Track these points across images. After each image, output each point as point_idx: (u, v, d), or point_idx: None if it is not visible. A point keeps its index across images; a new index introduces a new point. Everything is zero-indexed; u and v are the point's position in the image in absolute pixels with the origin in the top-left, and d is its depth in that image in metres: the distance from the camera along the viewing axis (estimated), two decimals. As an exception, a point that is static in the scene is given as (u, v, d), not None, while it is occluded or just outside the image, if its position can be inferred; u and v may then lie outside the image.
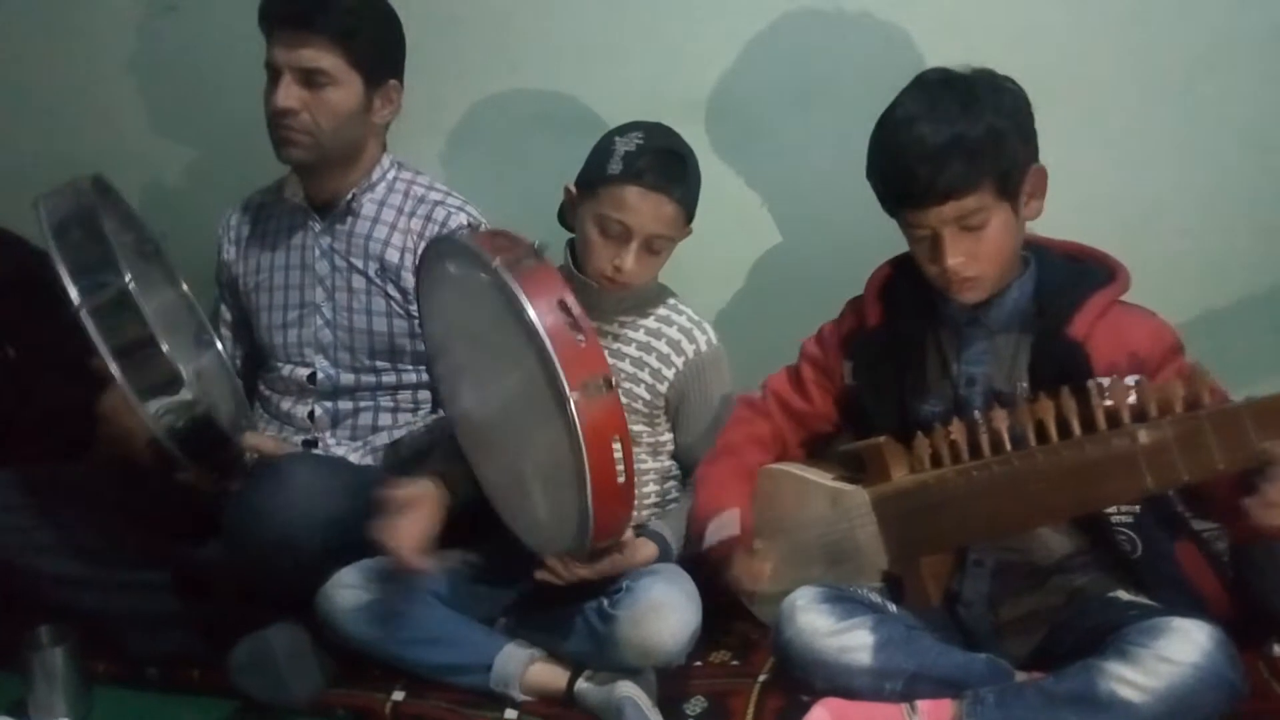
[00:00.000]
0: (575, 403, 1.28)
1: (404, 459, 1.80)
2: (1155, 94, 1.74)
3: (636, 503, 1.50)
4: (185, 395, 1.54)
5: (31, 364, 1.97)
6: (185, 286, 1.84)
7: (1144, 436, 1.26)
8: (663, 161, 1.57)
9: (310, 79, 1.69)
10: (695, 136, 1.74)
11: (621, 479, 1.32)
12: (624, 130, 1.62)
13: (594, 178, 1.59)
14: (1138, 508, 1.37)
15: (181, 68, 2.15)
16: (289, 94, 1.69)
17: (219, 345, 1.87)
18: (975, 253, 1.37)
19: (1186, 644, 1.23)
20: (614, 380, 1.33)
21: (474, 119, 2.03)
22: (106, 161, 2.04)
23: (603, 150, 1.60)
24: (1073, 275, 1.43)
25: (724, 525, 1.51)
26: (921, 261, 1.43)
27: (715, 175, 1.86)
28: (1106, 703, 1.24)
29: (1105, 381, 1.30)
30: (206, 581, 1.69)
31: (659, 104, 1.76)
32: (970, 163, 1.33)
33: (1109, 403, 1.28)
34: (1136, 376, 1.30)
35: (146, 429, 1.54)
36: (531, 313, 1.31)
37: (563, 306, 1.34)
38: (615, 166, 1.57)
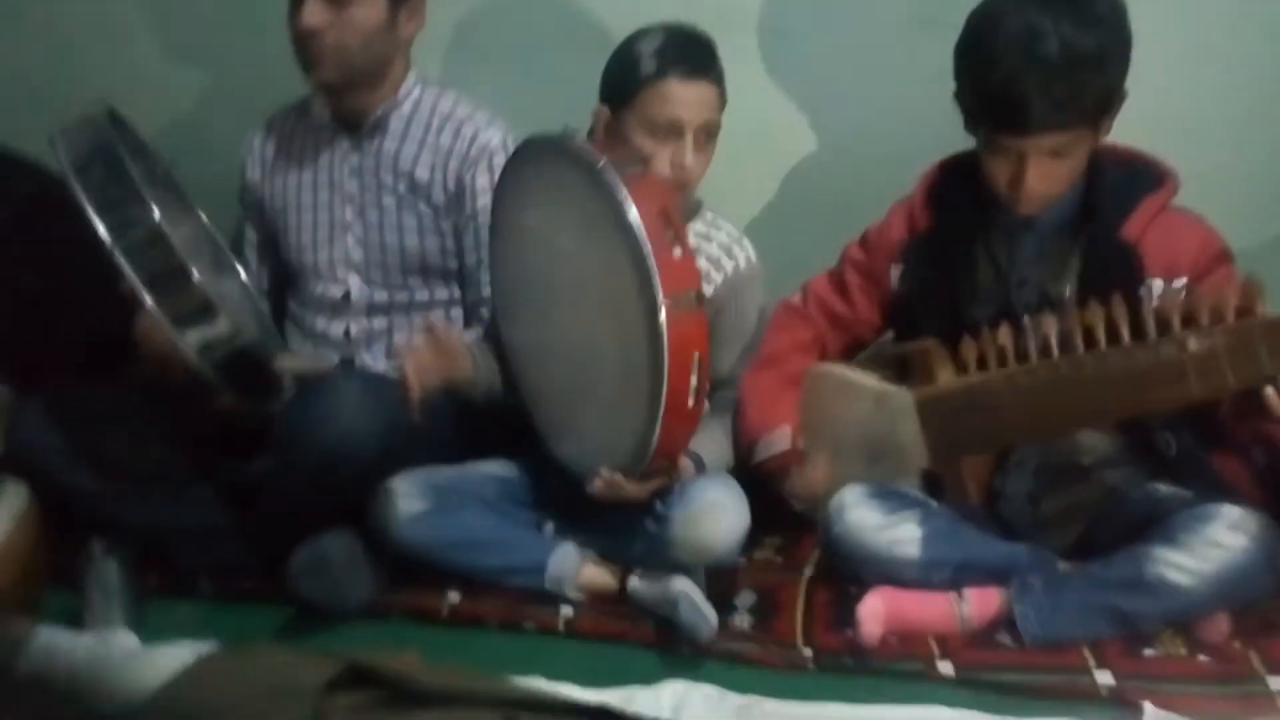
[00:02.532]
0: (666, 311, 1.30)
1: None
2: (1200, 8, 1.74)
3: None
4: (223, 327, 1.54)
5: (56, 290, 1.96)
6: (203, 215, 1.84)
7: (1193, 344, 1.28)
8: (695, 47, 1.57)
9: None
10: (727, 46, 1.72)
11: (692, 401, 1.35)
12: (641, 34, 1.60)
13: (628, 85, 1.58)
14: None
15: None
16: (314, 13, 1.66)
17: (240, 271, 1.87)
18: (1054, 176, 1.38)
19: (1235, 529, 1.29)
20: (704, 297, 1.34)
21: (494, 33, 2.01)
22: (119, 86, 2.04)
23: (626, 57, 1.59)
24: (1125, 179, 1.43)
25: (775, 442, 1.55)
26: (994, 175, 1.41)
27: (746, 85, 1.85)
28: (1155, 585, 1.30)
29: (1157, 287, 1.33)
30: (257, 493, 1.71)
31: (693, 15, 1.75)
32: (1085, 96, 1.31)
33: (1158, 307, 1.30)
34: (1184, 281, 1.32)
35: (186, 360, 1.55)
36: (634, 215, 1.32)
37: (664, 216, 1.35)
38: (649, 66, 1.55)
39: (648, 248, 1.32)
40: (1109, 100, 1.35)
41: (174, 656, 1.38)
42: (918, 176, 1.58)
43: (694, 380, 1.35)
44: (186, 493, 1.74)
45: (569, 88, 1.66)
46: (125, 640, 1.56)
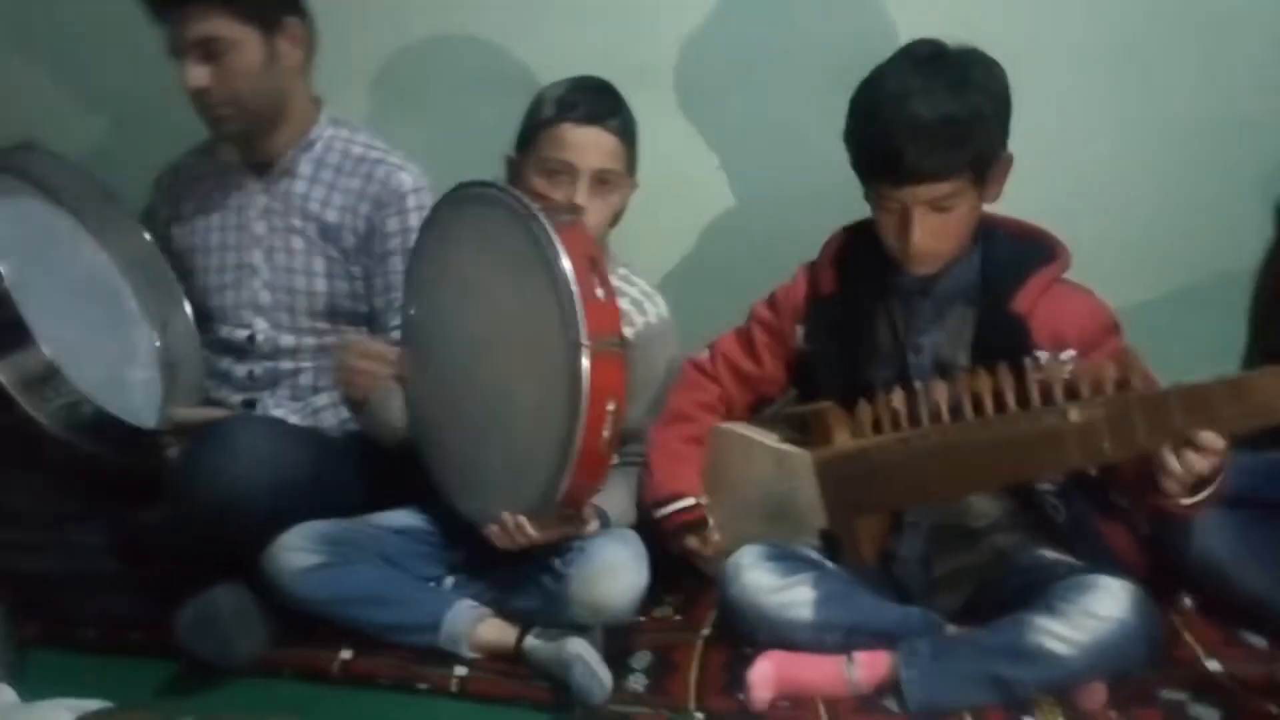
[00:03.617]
0: (589, 353, 1.31)
1: (345, 420, 1.80)
2: (1088, 75, 1.81)
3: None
4: (69, 394, 1.55)
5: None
6: (149, 238, 1.84)
7: (1074, 414, 1.31)
8: (594, 95, 1.60)
9: (209, 50, 1.66)
10: (646, 101, 1.75)
11: (605, 448, 1.35)
12: (553, 84, 1.64)
13: (529, 130, 1.61)
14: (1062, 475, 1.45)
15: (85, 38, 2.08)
16: (196, 74, 1.67)
17: (186, 307, 1.85)
18: (940, 232, 1.42)
19: (1111, 600, 1.32)
20: (625, 342, 1.36)
21: (417, 75, 2.03)
22: (36, 122, 2.00)
23: (534, 104, 1.63)
24: (1018, 252, 1.48)
25: (679, 504, 1.56)
26: (885, 232, 1.46)
27: (665, 141, 1.88)
28: (1035, 654, 1.32)
29: (1042, 358, 1.36)
30: (147, 541, 1.67)
31: (609, 68, 1.76)
32: (957, 149, 1.37)
33: (1043, 378, 1.33)
34: (1072, 353, 1.36)
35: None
36: (565, 261, 1.34)
37: (591, 262, 1.37)
38: (548, 110, 1.59)
39: (575, 290, 1.34)
40: (985, 158, 1.40)
41: (49, 714, 1.35)
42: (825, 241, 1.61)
43: (608, 427, 1.36)
44: (72, 539, 1.69)
45: (493, 132, 1.67)
46: (2, 694, 1.50)
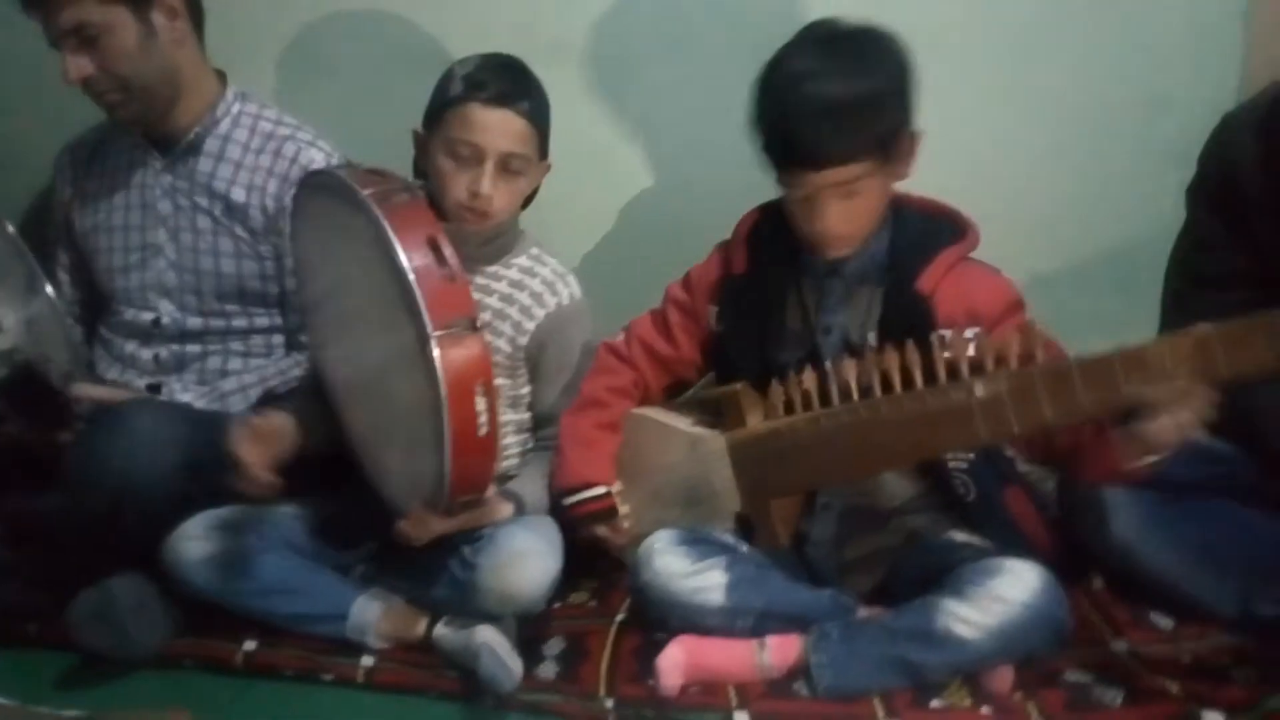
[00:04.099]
0: (437, 343, 1.25)
1: (256, 404, 1.76)
2: (996, 51, 1.80)
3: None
4: (2, 344, 1.47)
5: None
6: (11, 229, 1.74)
7: (979, 389, 1.31)
8: (504, 76, 1.55)
9: (84, 37, 1.60)
10: (564, 79, 1.73)
11: (484, 430, 1.30)
12: (462, 60, 1.59)
13: (437, 107, 1.56)
14: (972, 454, 1.44)
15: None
16: (77, 64, 1.62)
17: (49, 291, 1.77)
18: (850, 215, 1.40)
19: (1017, 584, 1.32)
20: (480, 323, 1.30)
21: (327, 49, 1.97)
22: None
23: (442, 80, 1.58)
24: (925, 231, 1.47)
25: (589, 498, 1.54)
26: (794, 217, 1.44)
27: (583, 119, 1.86)
28: (942, 637, 1.32)
29: (947, 335, 1.35)
30: (43, 530, 1.62)
31: (527, 45, 1.72)
32: (858, 131, 1.34)
33: (949, 355, 1.33)
34: (976, 330, 1.36)
35: None
36: (398, 248, 1.28)
37: (432, 244, 1.30)
38: (456, 88, 1.54)
39: (413, 277, 1.28)
40: (890, 138, 1.38)
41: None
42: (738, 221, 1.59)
43: (480, 407, 1.29)
44: (-35, 529, 1.64)
45: (404, 106, 1.62)
46: (-113, 692, 1.45)
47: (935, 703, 1.34)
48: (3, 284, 1.73)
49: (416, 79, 1.64)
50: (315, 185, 1.49)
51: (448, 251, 1.32)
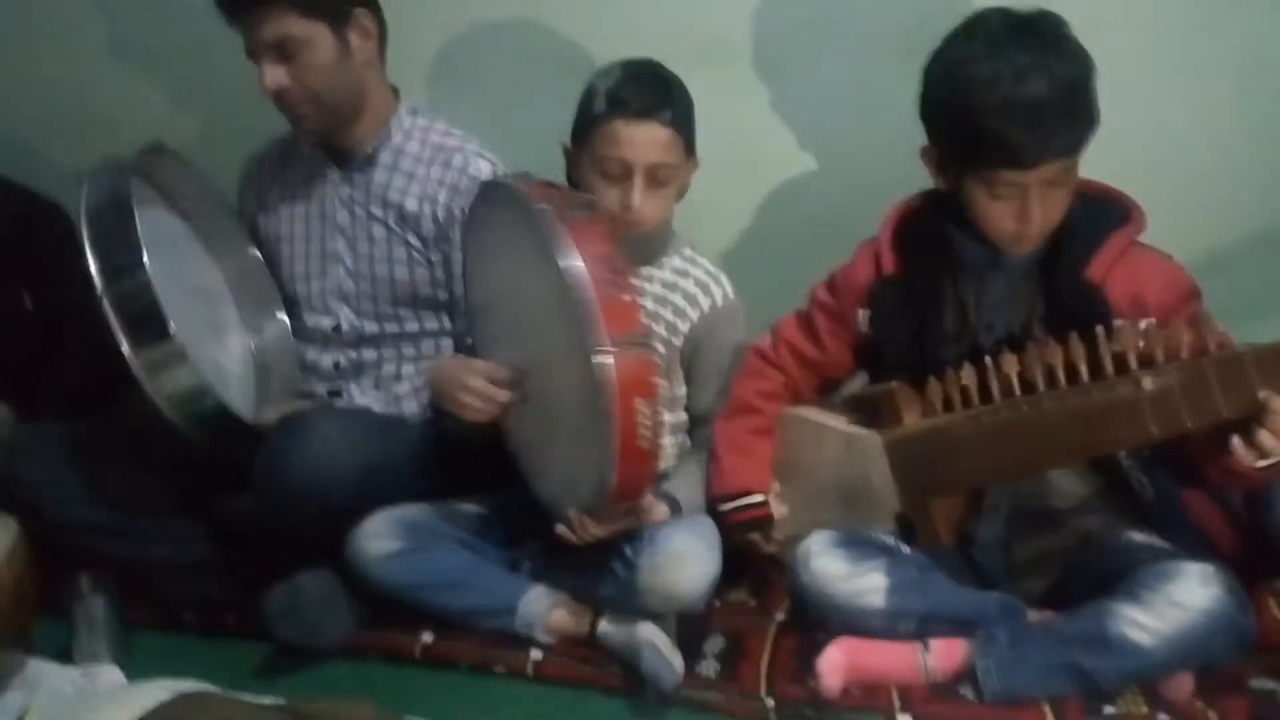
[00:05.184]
0: (607, 357, 1.29)
1: (427, 406, 1.84)
2: (1160, 25, 1.71)
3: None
4: (191, 382, 1.59)
5: (53, 316, 2.01)
6: (255, 252, 1.90)
7: (1148, 383, 1.26)
8: (645, 88, 1.56)
9: (283, 50, 1.68)
10: (709, 77, 1.72)
11: (645, 442, 1.33)
12: (602, 71, 1.61)
13: (583, 124, 1.59)
14: (1147, 451, 1.38)
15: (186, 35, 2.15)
16: (273, 75, 1.69)
17: (281, 315, 1.91)
18: (1051, 210, 1.35)
19: (1196, 589, 1.26)
20: (649, 340, 1.34)
21: (477, 60, 2.01)
22: (124, 123, 2.08)
23: (586, 95, 1.60)
24: (1090, 217, 1.40)
25: (745, 505, 1.54)
26: (992, 217, 1.37)
27: (731, 116, 1.85)
28: (1117, 644, 1.27)
29: (1117, 325, 1.30)
30: (239, 530, 1.73)
31: (674, 44, 1.73)
32: (1078, 120, 1.30)
33: (1116, 348, 1.27)
34: (1148, 321, 1.29)
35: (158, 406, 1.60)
36: (574, 262, 1.32)
37: (607, 260, 1.34)
38: (599, 105, 1.56)
39: (588, 292, 1.31)
40: (1092, 123, 1.33)
41: (150, 694, 1.42)
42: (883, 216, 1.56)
43: (642, 421, 1.33)
44: (174, 528, 1.77)
45: (554, 114, 1.66)
46: (110, 674, 1.59)
47: (1108, 709, 1.30)
48: (243, 300, 1.89)
49: (564, 86, 1.67)
50: (492, 196, 1.54)
51: (621, 266, 1.35)
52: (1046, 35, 1.32)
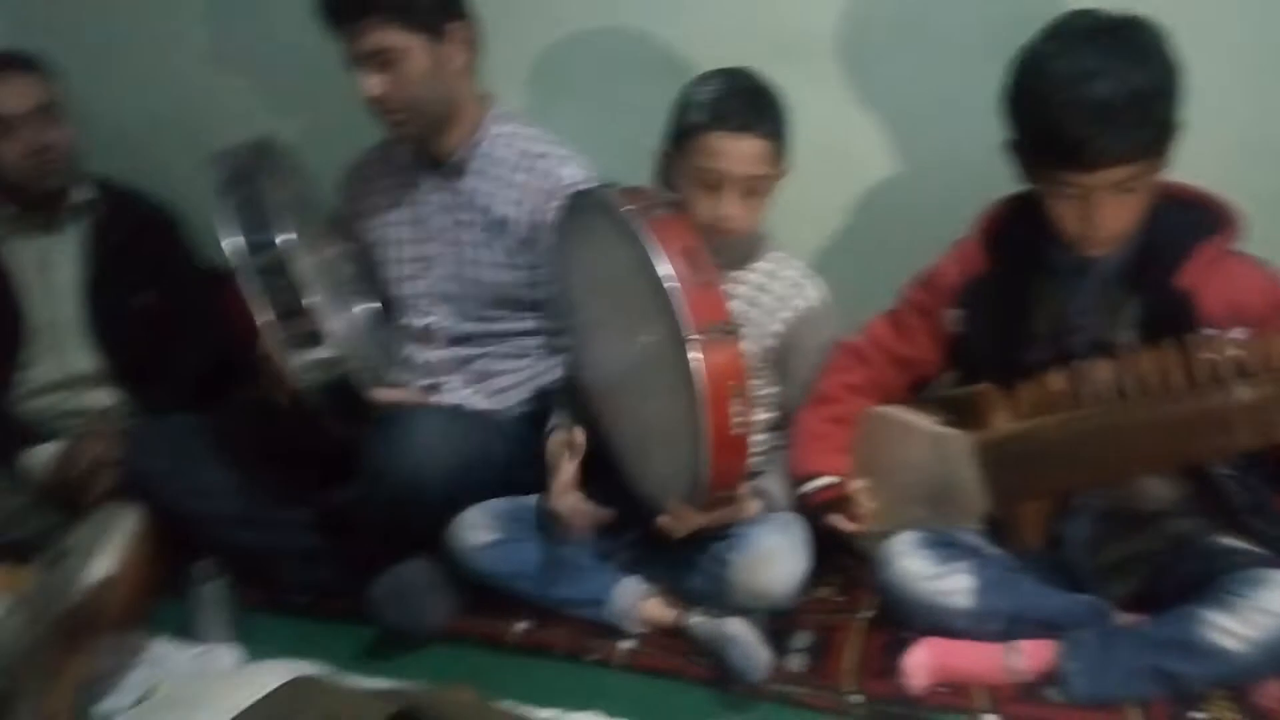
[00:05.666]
0: (696, 347, 1.33)
1: (522, 401, 1.91)
2: (1249, 26, 1.67)
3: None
4: (329, 353, 1.64)
5: (169, 313, 2.12)
6: (344, 241, 1.96)
7: (1241, 392, 1.25)
8: (744, 101, 1.58)
9: (383, 60, 1.74)
10: (793, 75, 1.73)
11: (738, 430, 1.37)
12: (701, 79, 1.63)
13: (680, 132, 1.62)
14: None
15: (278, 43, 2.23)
16: (372, 84, 1.75)
17: (374, 301, 1.98)
18: (1121, 214, 1.35)
19: (1286, 597, 1.25)
20: (736, 327, 1.37)
21: (569, 63, 2.05)
22: (227, 130, 2.16)
23: (683, 103, 1.62)
24: (1183, 223, 1.39)
25: (819, 484, 1.56)
26: (1061, 218, 1.38)
27: (813, 115, 1.84)
28: (1205, 650, 1.28)
29: (1210, 334, 1.29)
30: (347, 519, 1.81)
31: (764, 43, 1.76)
32: (1144, 128, 1.30)
33: (1209, 356, 1.27)
34: (1242, 329, 1.29)
35: (292, 380, 1.66)
36: (658, 258, 1.37)
37: (689, 253, 1.38)
38: (698, 116, 1.58)
39: (673, 284, 1.36)
40: (1167, 132, 1.32)
41: (265, 676, 1.50)
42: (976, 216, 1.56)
43: (735, 409, 1.37)
44: (287, 517, 1.86)
45: (642, 118, 1.69)
46: (228, 654, 1.69)
47: (1196, 715, 1.30)
48: (331, 291, 1.95)
49: (652, 89, 1.71)
50: (578, 203, 1.59)
51: (704, 259, 1.39)
52: (1127, 40, 1.32)
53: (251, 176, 1.66)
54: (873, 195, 1.93)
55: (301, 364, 1.64)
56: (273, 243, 1.61)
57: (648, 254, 1.38)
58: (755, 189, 1.59)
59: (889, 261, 1.71)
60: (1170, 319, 1.35)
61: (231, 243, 1.61)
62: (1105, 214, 1.34)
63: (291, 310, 1.62)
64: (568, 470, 1.65)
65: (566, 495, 1.65)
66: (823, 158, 1.81)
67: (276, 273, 1.61)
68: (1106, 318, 1.43)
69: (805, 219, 1.84)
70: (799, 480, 1.59)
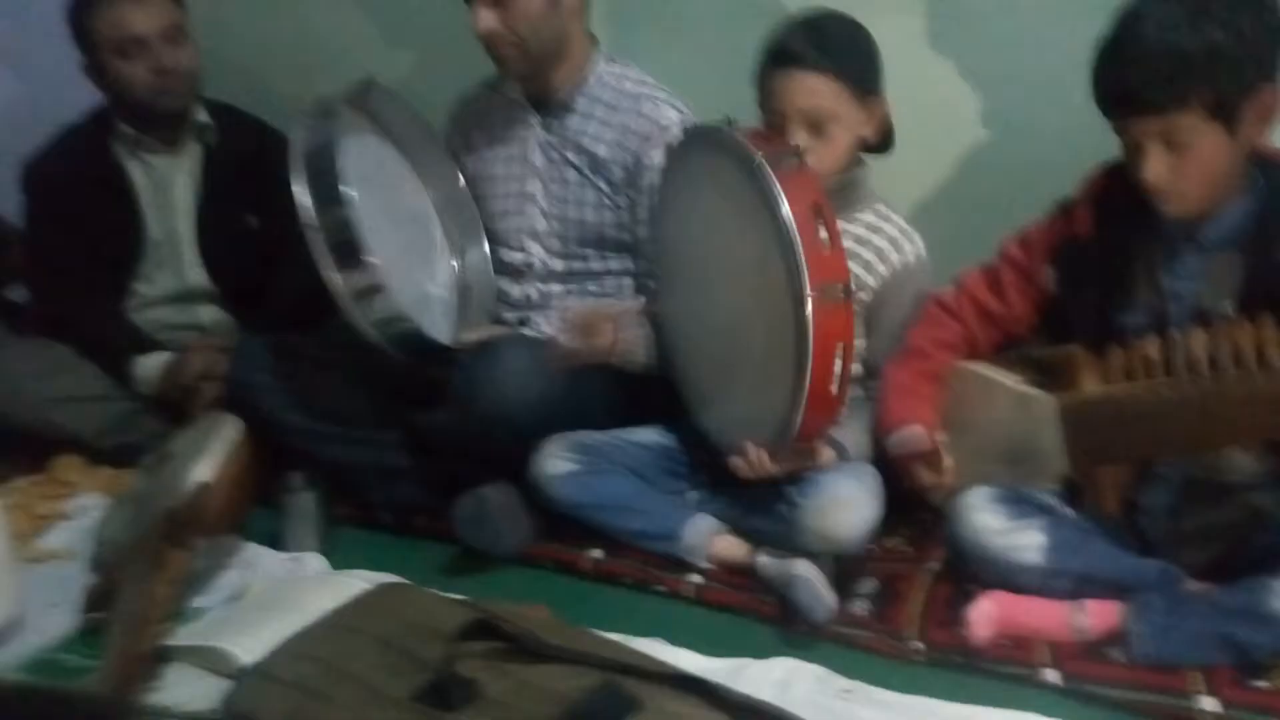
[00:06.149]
0: (812, 302, 1.36)
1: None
2: None
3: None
4: (391, 311, 1.73)
5: (274, 236, 2.20)
6: (463, 181, 2.03)
7: (1336, 374, 1.22)
8: (794, 37, 1.59)
9: None
10: (906, 29, 1.73)
11: (835, 388, 1.40)
12: (782, 23, 1.64)
13: (757, 78, 1.64)
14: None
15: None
16: (485, 18, 1.79)
17: (485, 243, 2.05)
18: (1179, 170, 1.34)
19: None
20: (851, 290, 1.39)
21: (676, 6, 2.06)
22: (339, 63, 2.23)
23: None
24: None
25: (909, 438, 1.56)
26: (1129, 168, 1.40)
27: (924, 69, 1.86)
28: (1273, 619, 1.28)
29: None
30: (434, 441, 1.89)
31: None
32: (1179, 79, 1.29)
33: (1310, 333, 1.25)
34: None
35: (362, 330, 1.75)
36: (786, 209, 1.39)
37: (815, 209, 1.40)
38: (763, 59, 1.61)
39: (798, 241, 1.38)
40: (1226, 93, 1.30)
41: (353, 583, 1.58)
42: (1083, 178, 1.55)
43: (837, 369, 1.40)
44: (378, 436, 1.93)
45: (746, 62, 1.68)
46: (316, 562, 1.78)
47: (1260, 683, 1.30)
48: (447, 227, 2.04)
49: (756, 33, 1.69)
50: (701, 141, 1.61)
51: (829, 217, 1.41)
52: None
53: (329, 141, 1.74)
54: (973, 151, 1.91)
55: (367, 316, 1.73)
56: (341, 206, 1.69)
57: (777, 204, 1.40)
58: (820, 126, 1.58)
59: (991, 218, 1.70)
60: (1271, 292, 1.33)
61: (300, 202, 1.71)
62: (1153, 164, 1.34)
63: (356, 267, 1.71)
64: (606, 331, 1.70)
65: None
66: (925, 111, 1.80)
67: (343, 233, 1.70)
68: (1209, 288, 1.41)
69: (905, 171, 1.82)
70: (887, 432, 1.59)
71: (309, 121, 1.78)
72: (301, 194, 1.72)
